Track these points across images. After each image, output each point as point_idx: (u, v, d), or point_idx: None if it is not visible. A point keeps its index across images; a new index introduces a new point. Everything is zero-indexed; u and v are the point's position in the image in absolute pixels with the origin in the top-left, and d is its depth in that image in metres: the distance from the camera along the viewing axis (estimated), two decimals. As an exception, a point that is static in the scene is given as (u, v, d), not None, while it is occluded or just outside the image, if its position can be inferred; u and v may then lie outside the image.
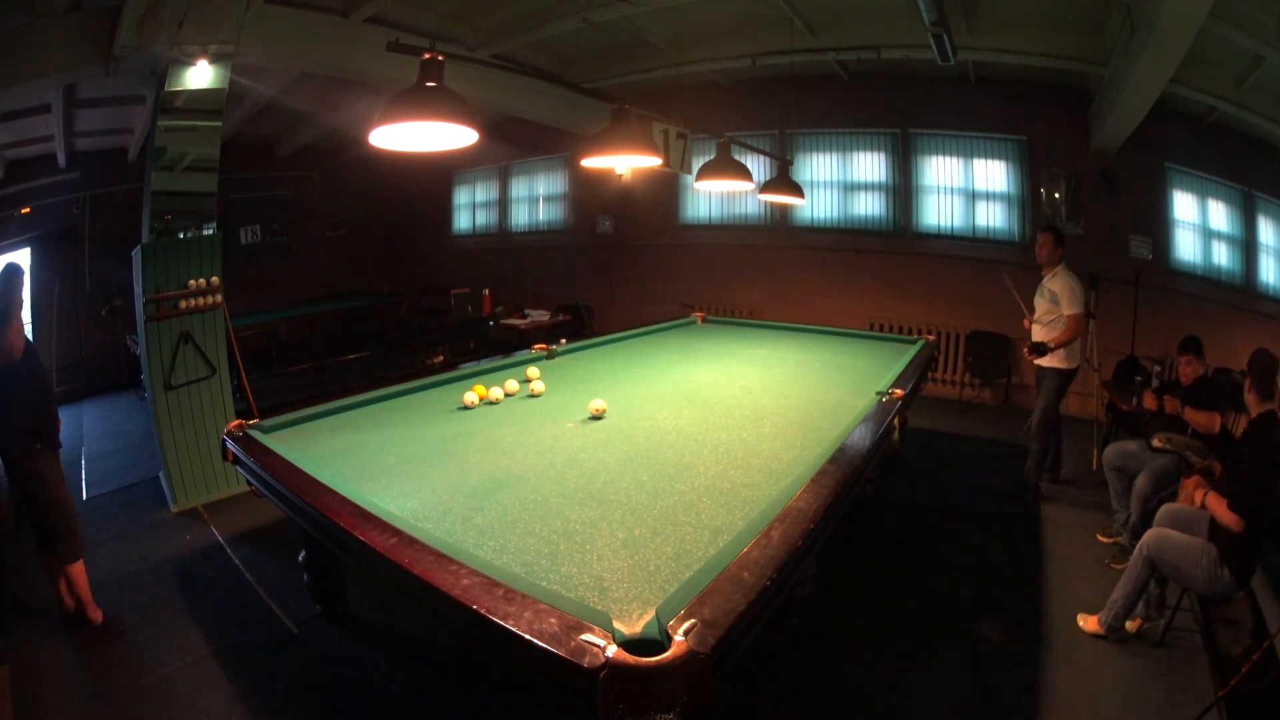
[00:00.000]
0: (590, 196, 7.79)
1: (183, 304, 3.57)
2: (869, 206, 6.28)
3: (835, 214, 6.44)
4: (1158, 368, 4.46)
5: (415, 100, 1.80)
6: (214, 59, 3.39)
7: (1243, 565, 2.18)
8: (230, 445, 2.14)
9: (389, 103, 1.81)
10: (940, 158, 5.92)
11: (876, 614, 2.64)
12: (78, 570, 2.51)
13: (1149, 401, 3.24)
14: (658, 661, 1.00)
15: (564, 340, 3.76)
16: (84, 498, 3.93)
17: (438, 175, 9.35)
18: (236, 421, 2.25)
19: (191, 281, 3.61)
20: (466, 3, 4.59)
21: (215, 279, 3.70)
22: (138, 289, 3.59)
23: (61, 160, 6.07)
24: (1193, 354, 3.16)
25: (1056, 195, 5.38)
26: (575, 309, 7.42)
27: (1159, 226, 5.12)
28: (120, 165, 6.39)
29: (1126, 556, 2.73)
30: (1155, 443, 3.16)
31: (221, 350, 3.78)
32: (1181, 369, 3.21)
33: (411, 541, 1.42)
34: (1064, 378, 3.68)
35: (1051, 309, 3.68)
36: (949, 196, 5.93)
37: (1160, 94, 3.86)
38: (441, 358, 6.06)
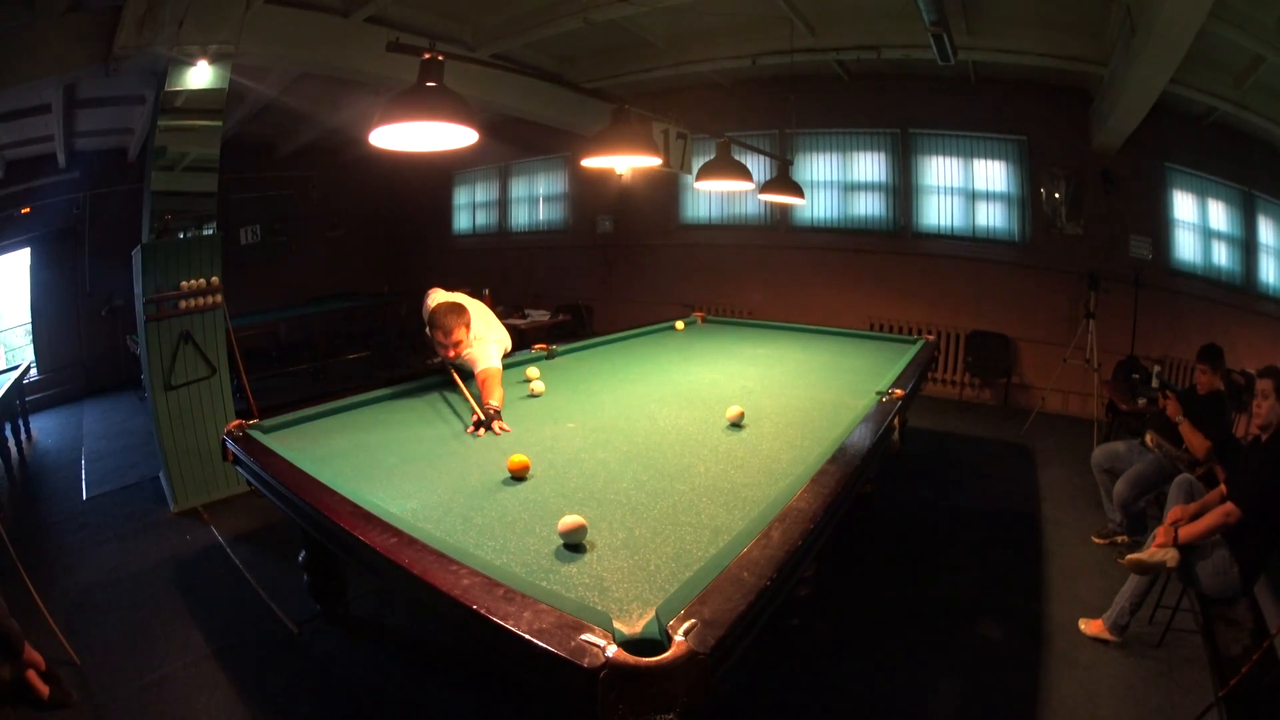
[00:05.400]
0: (590, 196, 7.79)
1: (183, 304, 3.57)
2: (869, 206, 6.28)
3: (835, 214, 6.44)
4: (1157, 368, 4.46)
5: (415, 100, 1.80)
6: (214, 59, 3.39)
7: (1252, 566, 2.18)
8: (230, 445, 2.14)
9: (389, 103, 1.81)
10: (940, 158, 5.92)
11: (877, 614, 2.64)
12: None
13: (1172, 411, 3.01)
14: (658, 661, 1.00)
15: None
16: (84, 498, 3.93)
17: (438, 175, 9.35)
18: (236, 421, 2.25)
19: (191, 281, 3.61)
20: (466, 3, 4.59)
21: (215, 279, 3.69)
22: (138, 289, 3.59)
23: (61, 160, 6.06)
24: (1209, 364, 3.08)
25: (1056, 195, 5.37)
26: (575, 309, 7.41)
27: (1159, 226, 5.11)
28: (120, 165, 6.38)
29: (1130, 551, 2.72)
30: (1148, 440, 3.15)
31: (221, 350, 3.78)
32: (1198, 378, 3.14)
33: (411, 541, 1.42)
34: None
35: None
36: (949, 196, 5.92)
37: (1160, 94, 3.85)
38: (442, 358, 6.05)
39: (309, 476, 1.81)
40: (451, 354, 2.61)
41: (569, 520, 1.48)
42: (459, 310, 2.62)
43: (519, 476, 1.87)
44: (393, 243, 9.87)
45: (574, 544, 1.48)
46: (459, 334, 2.58)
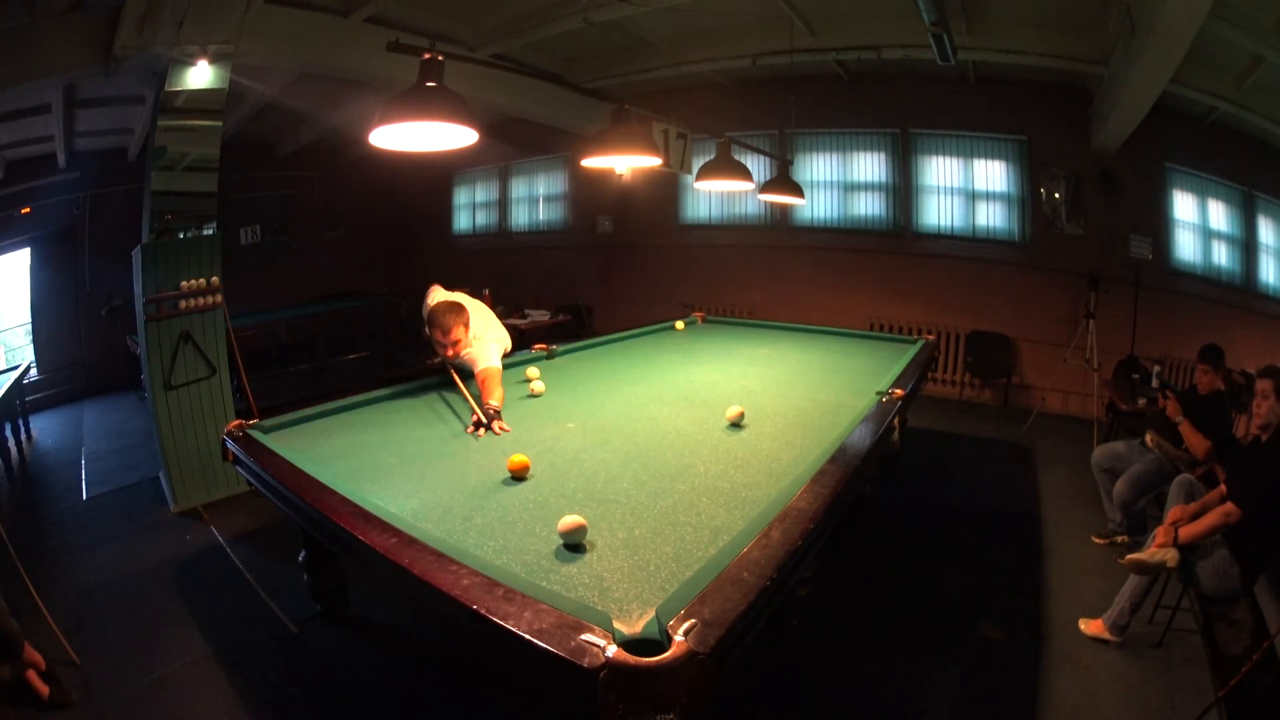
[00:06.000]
0: (590, 196, 7.79)
1: (183, 304, 3.57)
2: (869, 206, 6.28)
3: (835, 214, 6.44)
4: (1157, 367, 4.46)
5: (415, 100, 1.80)
6: (214, 59, 3.39)
7: (1252, 566, 2.18)
8: (230, 445, 2.14)
9: (389, 103, 1.81)
10: (940, 158, 5.92)
11: (876, 614, 2.64)
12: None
13: (1172, 411, 3.01)
14: (658, 661, 1.01)
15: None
16: (84, 498, 3.93)
17: (438, 175, 9.35)
18: (236, 421, 2.25)
19: (191, 281, 3.60)
20: (466, 3, 4.59)
21: (215, 279, 3.69)
22: (138, 289, 3.59)
23: (61, 160, 6.06)
24: (1209, 364, 3.06)
25: (1056, 195, 5.38)
26: (575, 309, 7.41)
27: (1159, 226, 5.11)
28: (120, 165, 6.38)
29: (1130, 551, 2.72)
30: (1148, 440, 3.15)
31: (221, 350, 3.78)
32: (1198, 378, 3.13)
33: (411, 541, 1.42)
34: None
35: None
36: (949, 196, 5.92)
37: (1160, 94, 3.85)
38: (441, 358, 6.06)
39: (309, 476, 1.81)
40: (450, 353, 2.61)
41: (569, 520, 1.49)
42: (458, 310, 2.63)
43: (519, 476, 1.88)
44: (393, 243, 9.86)
45: (574, 544, 1.48)
46: (457, 333, 2.58)
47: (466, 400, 2.50)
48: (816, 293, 6.45)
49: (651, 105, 3.49)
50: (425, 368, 3.09)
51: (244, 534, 3.34)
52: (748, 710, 2.07)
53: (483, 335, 2.78)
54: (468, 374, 2.66)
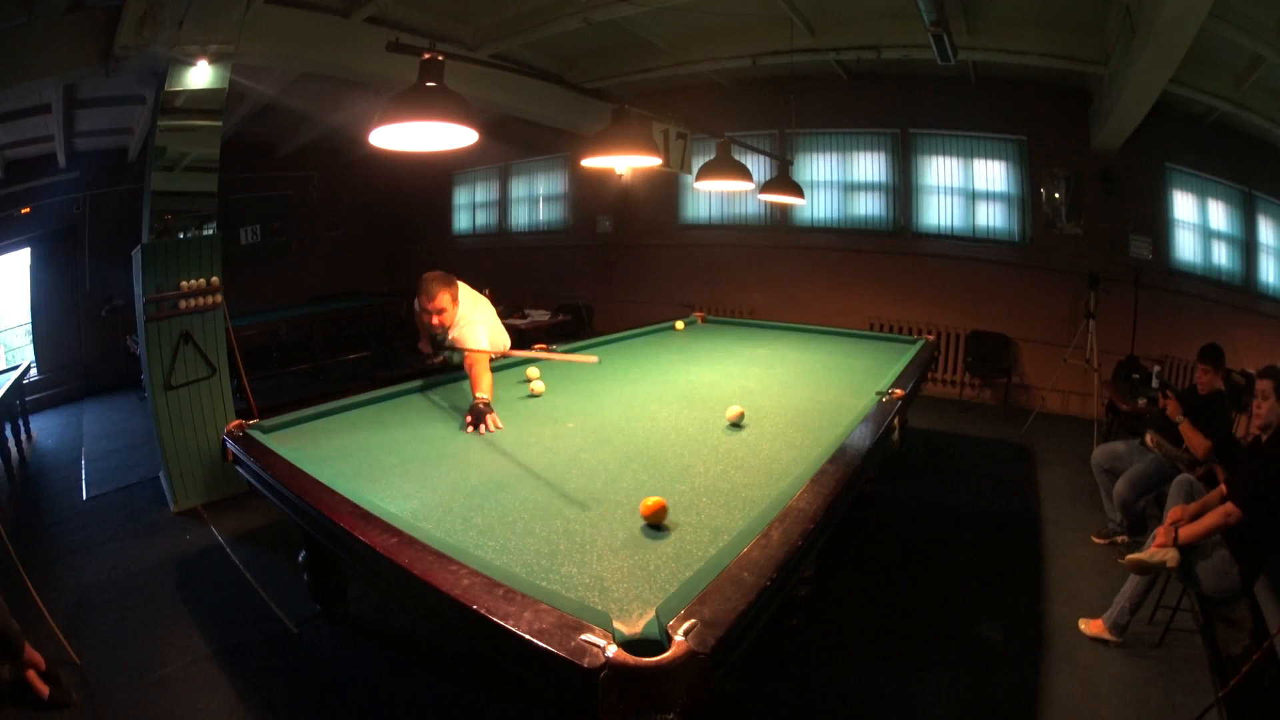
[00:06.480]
0: (590, 196, 7.79)
1: (183, 304, 3.57)
2: (869, 206, 6.28)
3: (835, 214, 6.44)
4: (1157, 367, 4.46)
5: (415, 100, 1.80)
6: (214, 59, 3.39)
7: (1252, 566, 2.18)
8: (230, 445, 2.14)
9: (389, 103, 1.81)
10: (940, 158, 5.92)
11: (876, 614, 2.64)
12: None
13: (1172, 411, 3.01)
14: (658, 662, 1.01)
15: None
16: (84, 498, 3.93)
17: (438, 175, 9.35)
18: (236, 421, 2.25)
19: (191, 281, 3.60)
20: (466, 3, 4.59)
21: (215, 279, 3.69)
22: (138, 289, 3.59)
23: (61, 160, 6.06)
24: (1210, 364, 3.06)
25: (1056, 195, 5.38)
26: (575, 309, 7.42)
27: (1159, 226, 5.11)
28: (120, 165, 6.38)
29: (1130, 551, 2.72)
30: (1148, 439, 3.15)
31: (221, 350, 3.78)
32: (1198, 377, 3.13)
33: (411, 541, 1.42)
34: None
35: None
36: (949, 196, 5.92)
37: (1160, 94, 3.85)
38: (441, 358, 6.06)
39: (309, 476, 1.81)
40: (433, 321, 2.58)
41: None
42: (448, 280, 2.60)
43: (655, 524, 1.61)
44: (393, 243, 9.87)
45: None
46: (442, 301, 2.55)
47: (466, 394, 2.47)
48: (816, 293, 6.44)
49: (651, 105, 3.49)
50: (426, 367, 3.08)
51: (244, 534, 3.34)
52: (748, 710, 2.07)
53: (473, 319, 2.74)
54: (463, 371, 2.65)
